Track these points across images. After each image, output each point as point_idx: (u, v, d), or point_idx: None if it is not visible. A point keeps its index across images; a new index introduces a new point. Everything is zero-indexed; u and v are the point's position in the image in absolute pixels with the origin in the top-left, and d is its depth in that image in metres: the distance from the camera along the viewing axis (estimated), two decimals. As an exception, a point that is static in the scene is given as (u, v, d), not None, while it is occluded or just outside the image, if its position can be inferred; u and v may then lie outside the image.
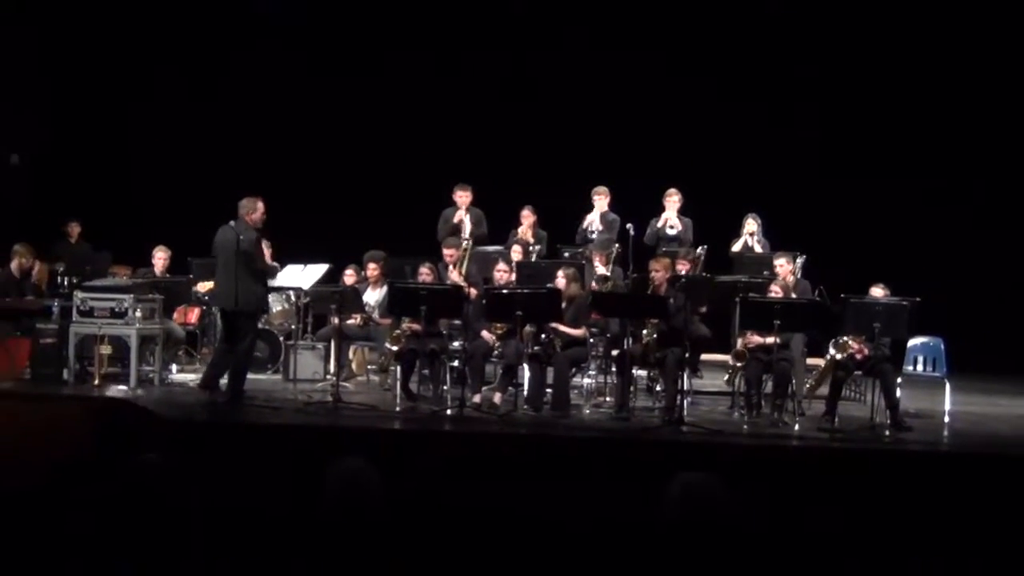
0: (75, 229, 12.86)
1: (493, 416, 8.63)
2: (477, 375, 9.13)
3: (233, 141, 13.43)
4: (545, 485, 6.90)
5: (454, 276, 10.13)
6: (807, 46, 13.14)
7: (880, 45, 13.13)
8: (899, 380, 8.76)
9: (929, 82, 13.07)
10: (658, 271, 9.20)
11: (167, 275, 10.85)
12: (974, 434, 8.82)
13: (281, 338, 10.81)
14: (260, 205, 8.95)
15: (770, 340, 8.68)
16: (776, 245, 10.63)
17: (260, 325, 10.75)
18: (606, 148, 12.87)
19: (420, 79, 13.70)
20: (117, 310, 9.39)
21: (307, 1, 14.06)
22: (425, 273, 9.61)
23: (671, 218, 10.99)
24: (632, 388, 9.19)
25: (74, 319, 9.46)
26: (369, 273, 10.29)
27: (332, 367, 10.08)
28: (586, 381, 9.79)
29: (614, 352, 9.29)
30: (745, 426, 8.67)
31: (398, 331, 9.18)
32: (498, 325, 9.13)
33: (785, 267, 9.55)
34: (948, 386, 9.19)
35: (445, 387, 9.40)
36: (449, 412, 8.75)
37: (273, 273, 9.61)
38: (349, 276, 10.59)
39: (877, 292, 8.97)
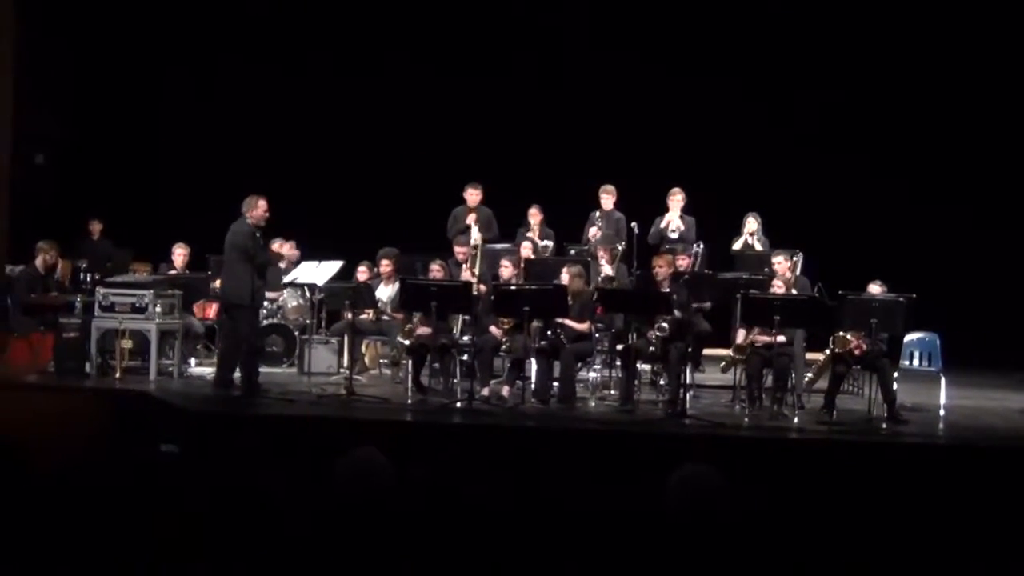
0: (97, 227, 13.09)
1: (501, 408, 8.81)
2: (486, 369, 9.31)
3: (251, 141, 13.52)
4: (551, 475, 7.04)
5: (466, 275, 10.25)
6: (807, 46, 13.12)
7: (879, 44, 13.12)
8: (896, 374, 8.83)
9: (928, 82, 13.07)
10: (661, 267, 9.34)
11: (187, 271, 10.98)
12: (969, 427, 8.90)
13: (296, 333, 10.90)
14: (262, 203, 9.05)
15: (780, 339, 8.81)
16: (776, 244, 10.66)
17: (276, 320, 11.01)
18: (608, 148, 12.89)
19: (434, 80, 13.76)
20: (138, 305, 9.55)
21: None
22: (436, 270, 9.77)
23: (674, 220, 10.94)
24: (636, 382, 9.33)
25: (96, 314, 9.61)
26: (382, 270, 10.35)
27: (345, 361, 10.22)
28: (592, 375, 9.87)
29: (619, 347, 9.49)
30: (746, 419, 8.81)
31: (409, 325, 9.37)
32: (505, 320, 9.25)
33: (783, 264, 9.62)
34: (944, 380, 9.26)
35: (455, 380, 9.57)
36: (459, 404, 8.88)
37: (264, 266, 9.49)
38: (362, 273, 10.64)
39: (874, 289, 9.06)
